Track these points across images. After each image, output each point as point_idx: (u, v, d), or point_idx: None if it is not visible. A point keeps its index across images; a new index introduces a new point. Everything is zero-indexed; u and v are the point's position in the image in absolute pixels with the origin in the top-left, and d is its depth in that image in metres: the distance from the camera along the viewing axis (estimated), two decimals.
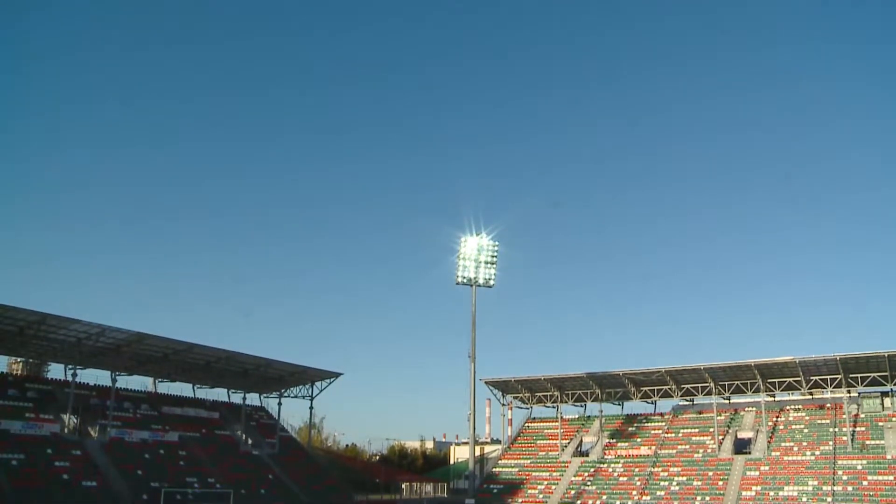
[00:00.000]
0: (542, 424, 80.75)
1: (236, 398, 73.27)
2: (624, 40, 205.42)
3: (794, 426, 66.28)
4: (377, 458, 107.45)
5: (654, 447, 69.39)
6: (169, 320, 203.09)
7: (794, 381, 64.45)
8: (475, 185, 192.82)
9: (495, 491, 69.71)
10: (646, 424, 74.83)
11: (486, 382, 76.71)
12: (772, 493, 57.36)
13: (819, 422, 65.63)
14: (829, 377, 62.48)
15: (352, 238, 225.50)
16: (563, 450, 73.73)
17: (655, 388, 72.57)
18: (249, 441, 69.15)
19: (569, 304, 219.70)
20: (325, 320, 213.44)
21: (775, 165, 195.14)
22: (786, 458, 61.57)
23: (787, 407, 69.51)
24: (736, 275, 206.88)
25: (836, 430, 62.87)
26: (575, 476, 68.24)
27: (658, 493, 61.72)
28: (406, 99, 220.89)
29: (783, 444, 63.75)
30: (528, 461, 73.99)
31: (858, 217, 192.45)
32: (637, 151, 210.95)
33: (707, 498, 59.23)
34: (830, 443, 61.64)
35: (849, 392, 62.47)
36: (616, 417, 77.42)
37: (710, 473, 62.41)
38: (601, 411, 75.03)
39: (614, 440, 72.91)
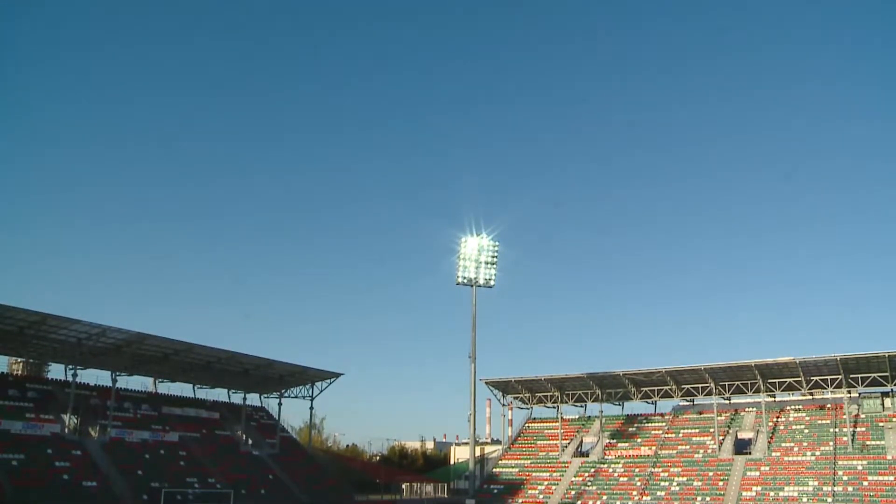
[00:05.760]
0: (542, 425, 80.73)
1: (237, 398, 73.34)
2: (623, 40, 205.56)
3: (794, 426, 66.27)
4: (377, 458, 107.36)
5: (654, 447, 69.39)
6: (169, 320, 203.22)
7: (795, 381, 64.43)
8: (475, 185, 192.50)
9: (495, 491, 69.71)
10: (646, 425, 74.81)
11: (486, 383, 76.70)
12: (772, 494, 57.35)
13: (819, 422, 65.61)
14: (829, 377, 62.43)
15: (352, 238, 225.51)
16: (563, 450, 73.72)
17: (656, 388, 72.55)
18: (250, 441, 69.16)
19: (569, 304, 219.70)
20: (325, 320, 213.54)
21: (775, 165, 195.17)
22: (786, 458, 61.56)
23: (788, 407, 69.50)
24: (736, 275, 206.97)
25: (837, 430, 62.85)
26: (575, 476, 68.24)
27: (658, 493, 61.71)
28: (406, 99, 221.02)
29: (783, 445, 63.74)
30: (529, 461, 73.98)
31: (858, 217, 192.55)
32: (637, 151, 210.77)
33: (707, 498, 59.22)
34: (831, 443, 61.63)
35: (849, 392, 62.40)
36: (616, 418, 77.40)
37: (711, 474, 62.41)
38: (601, 412, 75.02)
39: (615, 440, 72.90)
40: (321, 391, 72.42)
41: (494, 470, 75.10)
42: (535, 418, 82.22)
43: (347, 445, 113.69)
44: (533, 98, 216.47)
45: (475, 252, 61.26)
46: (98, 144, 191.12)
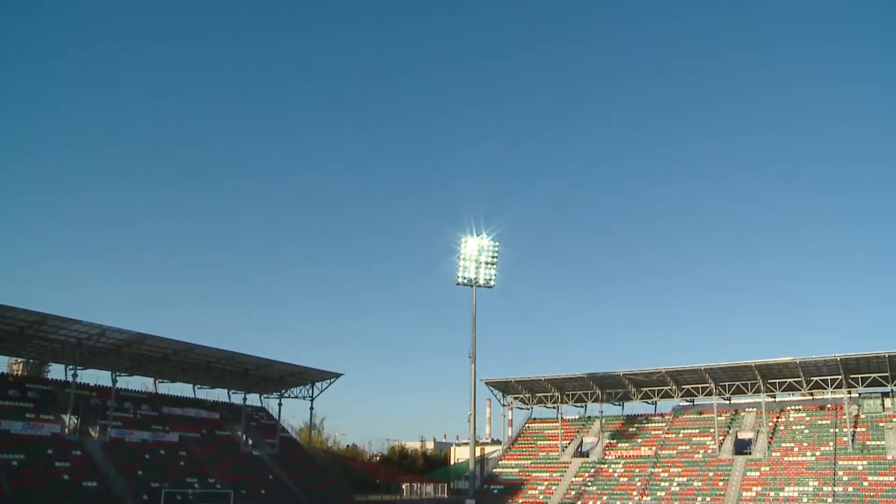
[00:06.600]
0: (542, 425, 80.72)
1: (237, 398, 73.26)
2: (623, 40, 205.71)
3: (794, 427, 66.26)
4: (377, 458, 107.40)
5: (654, 448, 69.38)
6: (169, 320, 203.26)
7: (795, 381, 64.43)
8: (475, 185, 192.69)
9: (496, 491, 69.69)
10: (646, 425, 74.79)
11: (486, 383, 76.71)
12: (772, 494, 57.34)
13: (819, 422, 65.62)
14: (829, 378, 62.45)
15: (352, 238, 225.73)
16: (563, 450, 73.71)
17: (656, 388, 72.53)
18: (250, 441, 69.13)
19: (569, 304, 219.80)
20: (325, 320, 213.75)
21: (775, 165, 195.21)
22: (786, 458, 61.55)
23: (788, 407, 69.51)
24: (736, 275, 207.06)
25: (837, 430, 62.85)
26: (575, 476, 68.23)
27: (658, 493, 61.70)
28: (406, 99, 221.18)
29: (784, 445, 63.73)
30: (529, 462, 73.97)
31: (858, 217, 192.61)
32: (637, 151, 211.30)
33: (707, 498, 59.21)
34: (831, 443, 61.62)
35: (849, 392, 62.41)
36: (616, 418, 77.38)
37: (711, 474, 62.40)
38: (601, 412, 75.01)
39: (615, 441, 72.88)
40: (321, 391, 72.44)
41: (494, 470, 75.09)
42: (535, 418, 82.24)
43: (347, 445, 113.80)
44: (533, 98, 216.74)
45: (475, 252, 61.26)
46: (98, 144, 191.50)
